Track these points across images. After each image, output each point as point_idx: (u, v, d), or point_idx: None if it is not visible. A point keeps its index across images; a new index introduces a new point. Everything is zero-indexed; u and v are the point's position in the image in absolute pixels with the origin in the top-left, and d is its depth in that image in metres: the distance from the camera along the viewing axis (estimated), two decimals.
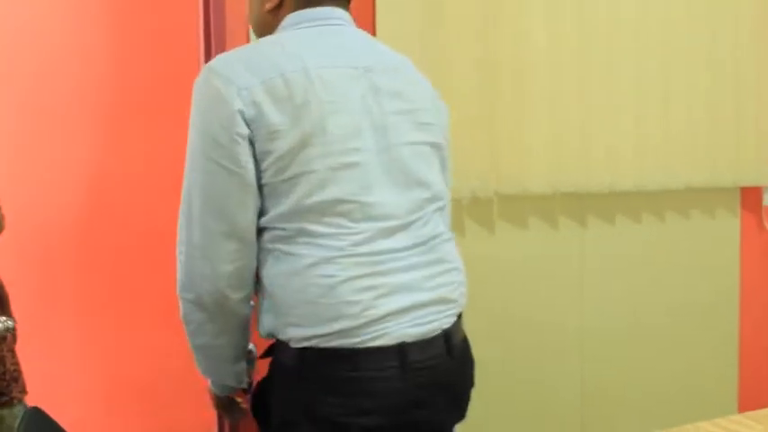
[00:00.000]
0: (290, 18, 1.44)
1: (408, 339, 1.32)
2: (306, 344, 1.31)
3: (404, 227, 1.37)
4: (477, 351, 2.32)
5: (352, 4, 1.54)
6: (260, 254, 1.36)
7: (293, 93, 1.31)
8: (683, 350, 2.66)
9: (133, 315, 2.72)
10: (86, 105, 2.79)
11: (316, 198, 1.31)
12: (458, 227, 2.30)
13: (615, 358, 2.56)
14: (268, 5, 1.47)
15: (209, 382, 1.52)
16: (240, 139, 1.29)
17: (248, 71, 1.32)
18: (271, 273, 1.35)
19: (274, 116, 1.29)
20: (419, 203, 1.41)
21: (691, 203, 2.67)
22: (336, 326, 1.30)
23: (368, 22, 2.16)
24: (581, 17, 2.38)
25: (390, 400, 1.32)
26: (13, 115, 2.77)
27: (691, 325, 2.67)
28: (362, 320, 1.30)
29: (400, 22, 2.16)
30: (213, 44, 2.01)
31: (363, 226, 1.33)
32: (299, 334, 1.32)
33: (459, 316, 1.46)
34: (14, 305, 1.93)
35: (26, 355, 1.99)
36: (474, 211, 2.32)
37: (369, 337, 1.30)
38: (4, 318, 1.32)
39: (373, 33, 2.15)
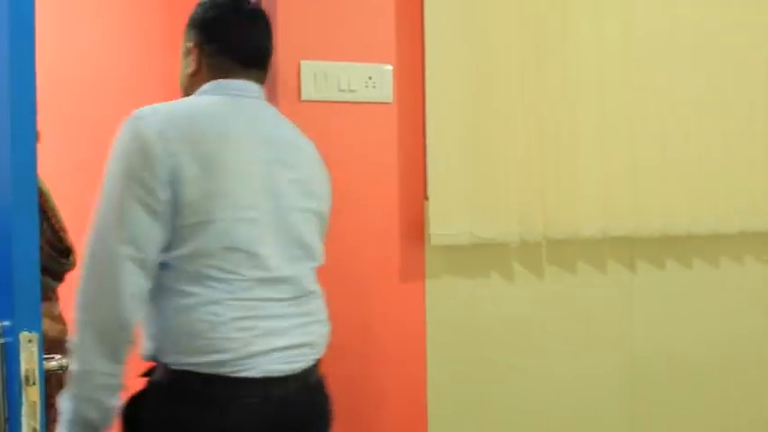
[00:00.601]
0: (211, 84, 1.68)
1: (272, 375, 1.55)
2: (185, 367, 1.51)
3: (284, 280, 1.60)
4: (525, 393, 2.30)
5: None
6: (154, 286, 1.52)
7: (209, 150, 1.54)
8: (737, 400, 2.60)
9: None
10: None
11: (216, 245, 1.52)
12: (506, 271, 2.29)
13: (666, 405, 2.50)
14: (189, 70, 1.72)
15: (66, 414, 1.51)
16: (161, 182, 1.49)
17: (171, 123, 1.53)
18: (161, 305, 1.54)
19: (189, 168, 1.50)
20: (299, 261, 1.65)
21: (744, 249, 2.62)
22: (216, 357, 1.50)
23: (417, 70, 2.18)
24: (632, 59, 2.37)
25: (252, 423, 1.55)
26: (80, 153, 2.86)
27: (746, 374, 2.61)
28: (238, 355, 1.51)
29: (447, 59, 2.18)
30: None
31: (251, 274, 1.55)
32: (180, 360, 1.51)
33: (318, 361, 1.69)
34: None
35: None
36: (522, 256, 2.31)
37: (240, 368, 1.52)
38: (59, 356, 1.35)
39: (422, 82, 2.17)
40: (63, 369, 1.39)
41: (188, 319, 1.51)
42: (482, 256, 2.26)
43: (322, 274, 1.71)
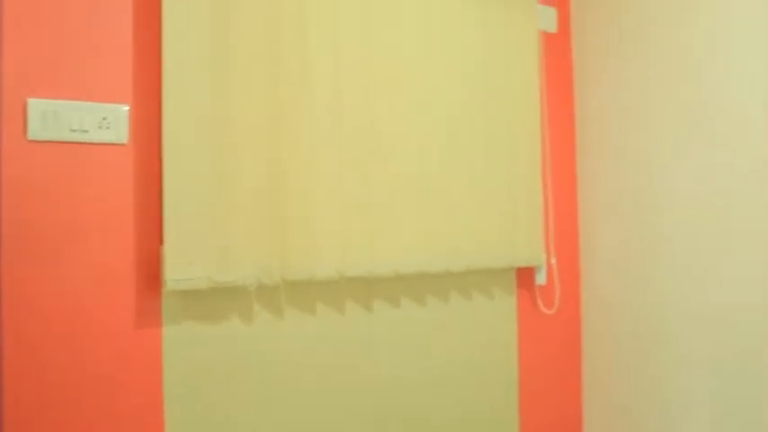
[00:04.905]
0: None
1: None
2: None
3: None
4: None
5: None
6: None
7: None
8: (464, 423, 2.76)
9: None
10: None
11: None
12: (246, 314, 2.29)
13: (408, 424, 2.62)
14: None
15: None
16: None
17: None
18: None
19: None
20: None
21: (472, 285, 2.81)
22: None
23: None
24: (365, 93, 2.47)
25: None
26: None
27: (473, 400, 2.79)
28: None
29: (185, 99, 2.16)
30: None
31: None
32: None
33: None
34: None
35: None
36: (262, 298, 2.32)
37: None
38: None
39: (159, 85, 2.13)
40: None
41: None
42: (221, 301, 2.25)
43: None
